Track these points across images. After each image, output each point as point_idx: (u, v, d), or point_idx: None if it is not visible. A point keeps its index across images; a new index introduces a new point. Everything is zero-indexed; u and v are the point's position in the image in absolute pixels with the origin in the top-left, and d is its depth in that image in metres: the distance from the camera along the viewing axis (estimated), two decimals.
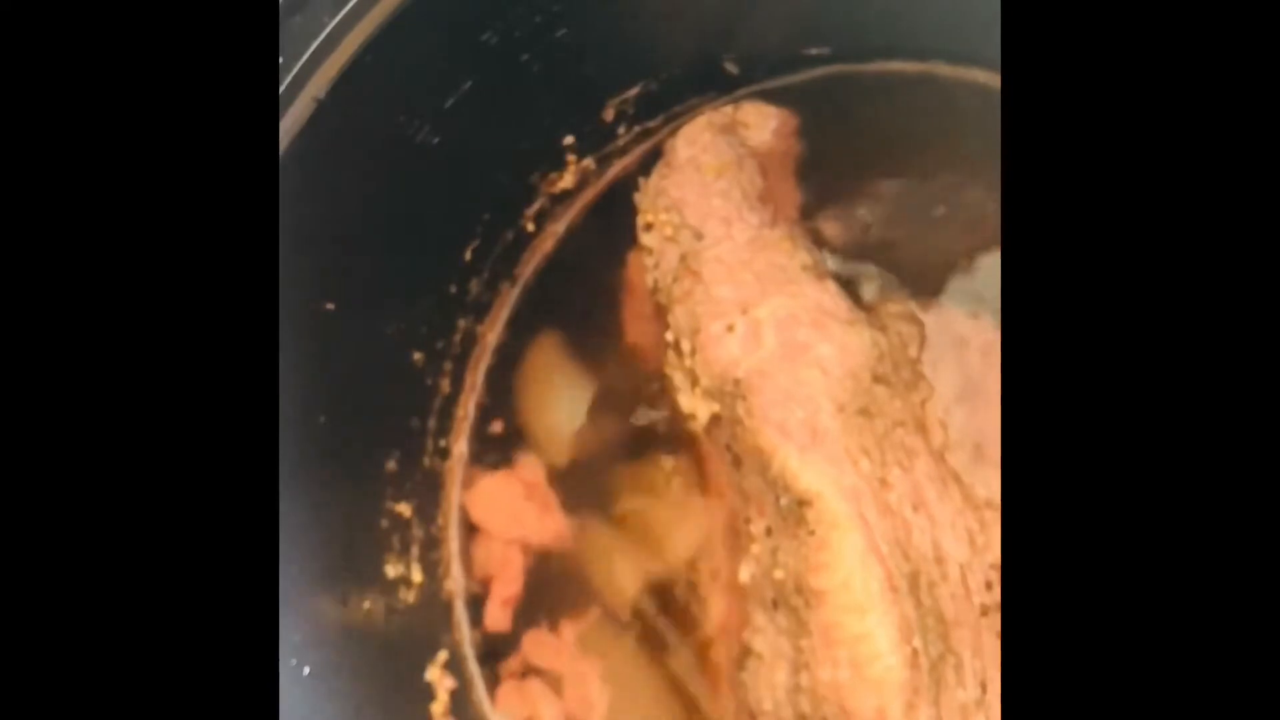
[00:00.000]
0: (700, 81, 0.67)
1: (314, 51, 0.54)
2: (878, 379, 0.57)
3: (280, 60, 0.54)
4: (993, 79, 0.64)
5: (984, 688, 0.54)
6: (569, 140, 0.66)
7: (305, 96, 0.54)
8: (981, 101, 0.64)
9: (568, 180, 0.67)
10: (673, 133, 0.67)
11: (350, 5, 0.54)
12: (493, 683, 0.65)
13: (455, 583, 0.66)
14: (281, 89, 0.54)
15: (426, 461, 0.67)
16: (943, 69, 0.66)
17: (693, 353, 0.60)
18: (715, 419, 0.60)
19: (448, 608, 0.66)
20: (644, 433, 0.65)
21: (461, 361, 0.68)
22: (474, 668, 0.66)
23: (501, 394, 0.68)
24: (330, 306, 0.59)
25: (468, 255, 0.66)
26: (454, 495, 0.67)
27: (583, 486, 0.66)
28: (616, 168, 0.68)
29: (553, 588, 0.65)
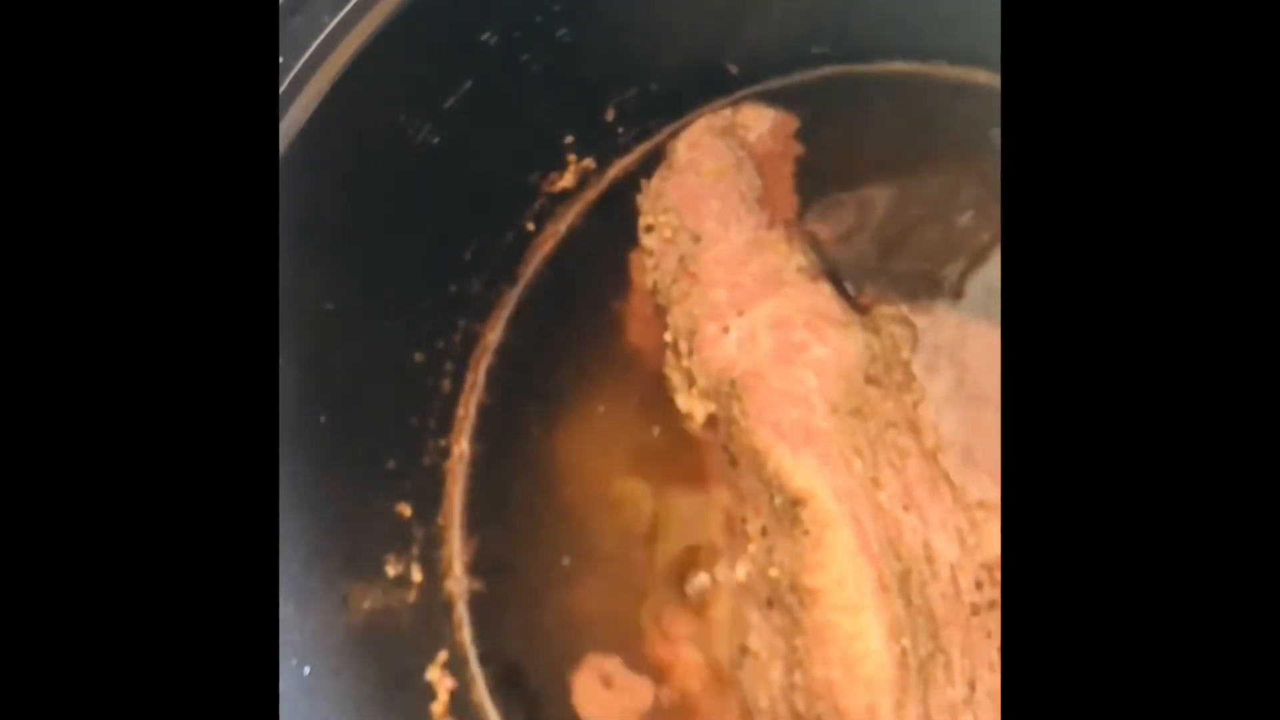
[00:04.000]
0: (700, 81, 0.67)
1: (314, 51, 0.54)
2: (870, 380, 0.57)
3: (280, 60, 0.54)
4: (993, 79, 0.64)
5: (972, 686, 0.54)
6: (569, 140, 0.66)
7: (305, 96, 0.54)
8: (982, 102, 0.64)
9: (568, 180, 0.67)
10: (674, 133, 0.67)
11: (350, 5, 0.54)
12: (492, 683, 0.65)
13: (456, 582, 0.66)
14: (281, 89, 0.54)
15: (426, 461, 0.67)
16: (943, 69, 0.66)
17: (690, 353, 0.60)
18: (712, 419, 0.60)
19: (448, 608, 0.66)
20: None
21: (461, 361, 0.68)
22: (474, 668, 0.66)
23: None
24: (330, 306, 0.59)
25: (468, 255, 0.66)
26: (454, 494, 0.67)
27: None
28: (616, 168, 0.68)
29: None
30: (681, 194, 0.63)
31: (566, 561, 0.65)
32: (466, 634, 0.66)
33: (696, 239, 0.62)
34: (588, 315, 0.67)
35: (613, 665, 0.63)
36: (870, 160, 0.65)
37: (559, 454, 0.67)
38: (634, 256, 0.66)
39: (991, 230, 0.63)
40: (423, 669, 0.64)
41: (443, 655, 0.64)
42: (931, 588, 0.55)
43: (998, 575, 0.55)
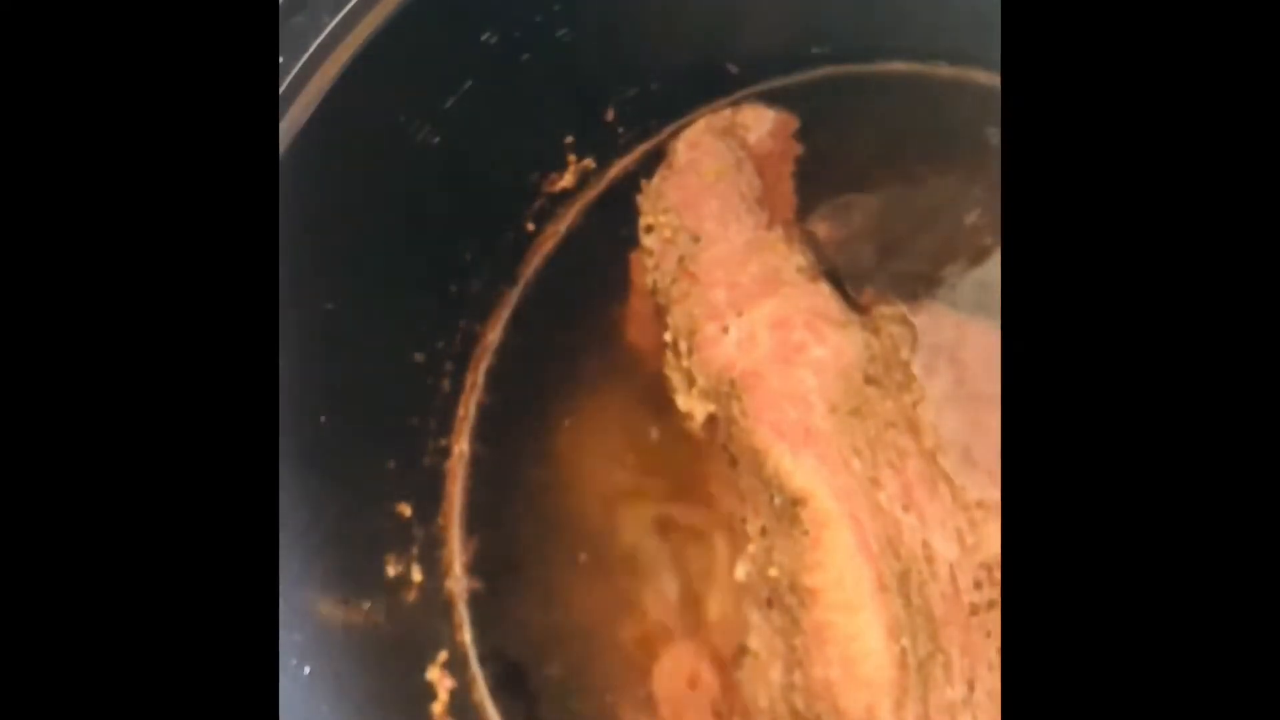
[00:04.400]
0: (701, 81, 0.67)
1: (314, 51, 0.54)
2: (870, 380, 0.57)
3: (280, 60, 0.54)
4: (993, 79, 0.64)
5: (971, 686, 0.54)
6: (569, 140, 0.66)
7: (305, 96, 0.55)
8: (982, 102, 0.64)
9: (568, 180, 0.67)
10: (674, 133, 0.67)
11: (350, 5, 0.54)
12: (493, 683, 0.65)
13: (456, 582, 0.66)
14: (281, 89, 0.54)
15: (426, 461, 0.67)
16: (943, 69, 0.66)
17: (690, 353, 0.60)
18: (712, 419, 0.60)
19: (448, 608, 0.66)
20: None
21: (461, 361, 0.68)
22: (474, 668, 0.66)
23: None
24: (330, 306, 0.59)
25: (468, 255, 0.66)
26: (454, 494, 0.67)
27: None
28: (617, 168, 0.68)
29: None
30: (681, 194, 0.64)
31: (567, 561, 0.65)
32: (466, 634, 0.66)
33: (696, 239, 0.62)
34: (588, 315, 0.67)
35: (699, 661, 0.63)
36: (870, 160, 0.65)
37: (559, 454, 0.67)
38: (634, 256, 0.66)
39: (992, 230, 0.63)
40: (423, 669, 0.64)
41: (443, 655, 0.64)
42: (931, 587, 0.55)
43: (997, 575, 0.55)
